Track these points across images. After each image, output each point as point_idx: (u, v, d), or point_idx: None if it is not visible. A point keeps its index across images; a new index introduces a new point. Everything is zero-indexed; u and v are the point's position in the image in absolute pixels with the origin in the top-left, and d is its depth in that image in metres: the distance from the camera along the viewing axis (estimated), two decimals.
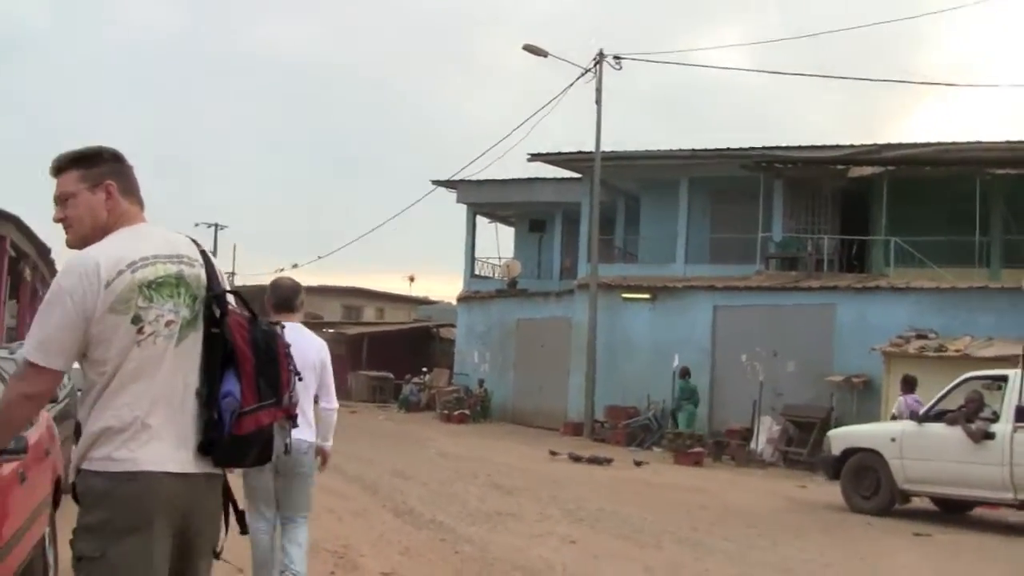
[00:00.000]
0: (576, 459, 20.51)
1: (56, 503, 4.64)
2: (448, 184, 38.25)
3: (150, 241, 3.49)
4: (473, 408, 33.32)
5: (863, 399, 22.50)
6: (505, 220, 41.69)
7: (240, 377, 3.44)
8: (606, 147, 29.19)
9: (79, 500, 3.39)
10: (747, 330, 25.82)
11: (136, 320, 3.32)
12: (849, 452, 14.81)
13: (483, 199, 38.55)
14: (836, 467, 14.95)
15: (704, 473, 19.97)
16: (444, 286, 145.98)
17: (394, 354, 44.28)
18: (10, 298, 24.81)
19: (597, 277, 28.70)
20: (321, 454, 6.97)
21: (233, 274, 71.84)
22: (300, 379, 3.75)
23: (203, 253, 3.63)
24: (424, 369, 40.54)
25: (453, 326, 43.53)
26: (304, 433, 6.27)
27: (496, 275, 39.22)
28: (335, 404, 7.13)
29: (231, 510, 3.69)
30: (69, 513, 3.72)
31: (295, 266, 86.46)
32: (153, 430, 3.33)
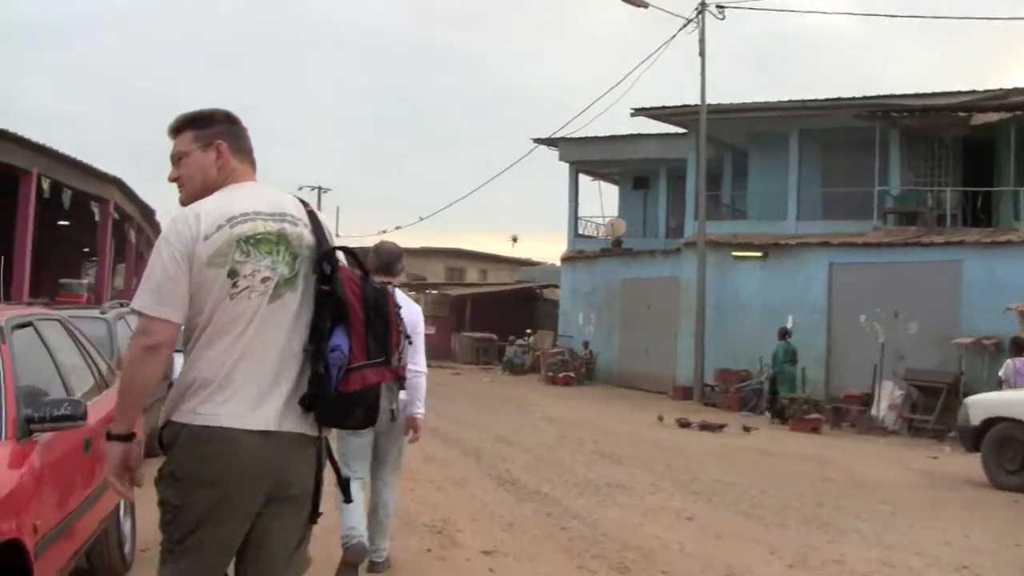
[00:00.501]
0: (685, 424, 19.63)
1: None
2: (549, 142, 37.36)
3: (254, 198, 3.53)
4: (578, 371, 32.56)
5: (995, 363, 21.12)
6: (608, 178, 40.64)
7: (349, 333, 3.41)
8: (711, 101, 28.06)
9: (164, 449, 3.44)
10: (866, 289, 24.47)
11: (232, 274, 3.37)
12: (991, 422, 13.52)
13: (585, 156, 37.52)
14: (975, 438, 13.65)
15: (823, 441, 18.91)
16: (547, 247, 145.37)
17: (498, 315, 43.69)
18: (117, 261, 24.61)
19: (705, 235, 27.60)
20: (412, 423, 6.90)
21: (337, 237, 71.82)
22: (410, 342, 3.75)
23: (311, 213, 3.62)
24: (528, 331, 39.89)
25: (557, 287, 42.82)
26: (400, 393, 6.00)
27: (600, 234, 38.26)
28: (424, 368, 6.96)
29: (332, 476, 3.69)
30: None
31: (397, 228, 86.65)
32: (237, 385, 3.35)
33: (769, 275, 26.77)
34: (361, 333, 3.43)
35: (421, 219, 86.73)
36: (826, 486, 12.59)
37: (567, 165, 38.07)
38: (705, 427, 19.30)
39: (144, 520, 6.71)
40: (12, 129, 18.31)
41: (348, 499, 3.82)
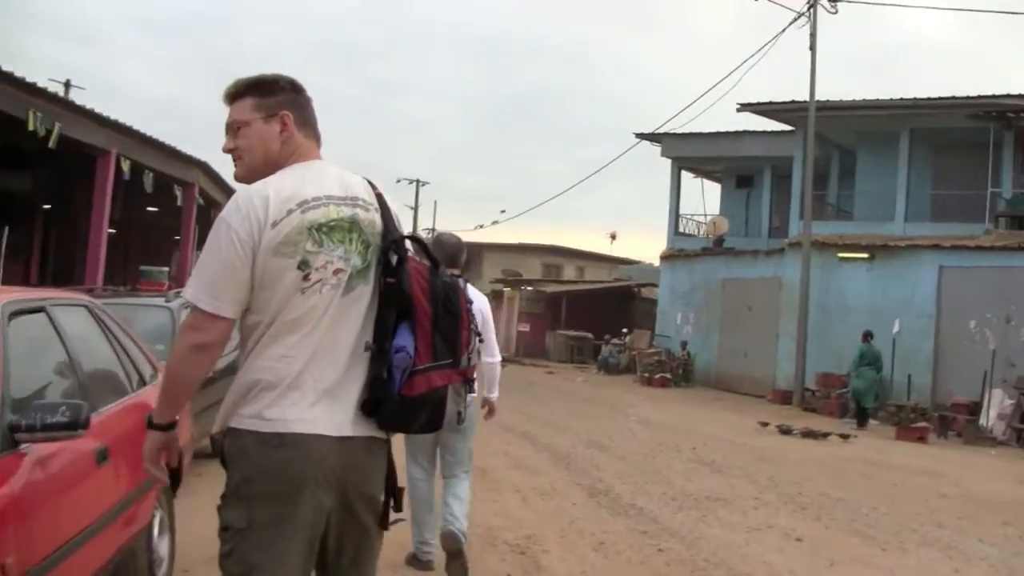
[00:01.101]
0: (786, 431, 18.86)
1: (176, 485, 3.61)
2: (652, 137, 36.70)
3: (324, 180, 3.24)
4: (675, 372, 31.88)
5: None
6: (711, 175, 39.76)
7: (415, 332, 3.17)
8: (819, 98, 27.12)
9: (225, 462, 3.16)
10: (976, 294, 23.45)
11: (303, 265, 3.09)
12: None
13: (688, 153, 36.68)
14: None
15: (930, 451, 17.97)
16: (646, 246, 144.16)
17: (594, 314, 43.04)
18: (199, 247, 24.49)
19: (810, 234, 26.69)
20: (488, 405, 7.17)
21: (433, 230, 71.97)
22: (481, 341, 3.53)
23: (379, 196, 3.35)
24: (624, 330, 39.18)
25: (655, 285, 42.13)
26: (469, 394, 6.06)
27: (701, 233, 37.46)
28: (498, 357, 7.07)
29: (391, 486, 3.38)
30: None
31: (495, 223, 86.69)
32: (308, 387, 3.09)
33: (875, 277, 25.84)
34: (428, 331, 3.18)
35: (519, 214, 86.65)
36: (941, 503, 11.78)
37: (669, 161, 37.28)
38: (808, 434, 18.52)
39: (185, 536, 6.31)
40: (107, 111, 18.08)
41: (399, 508, 3.40)
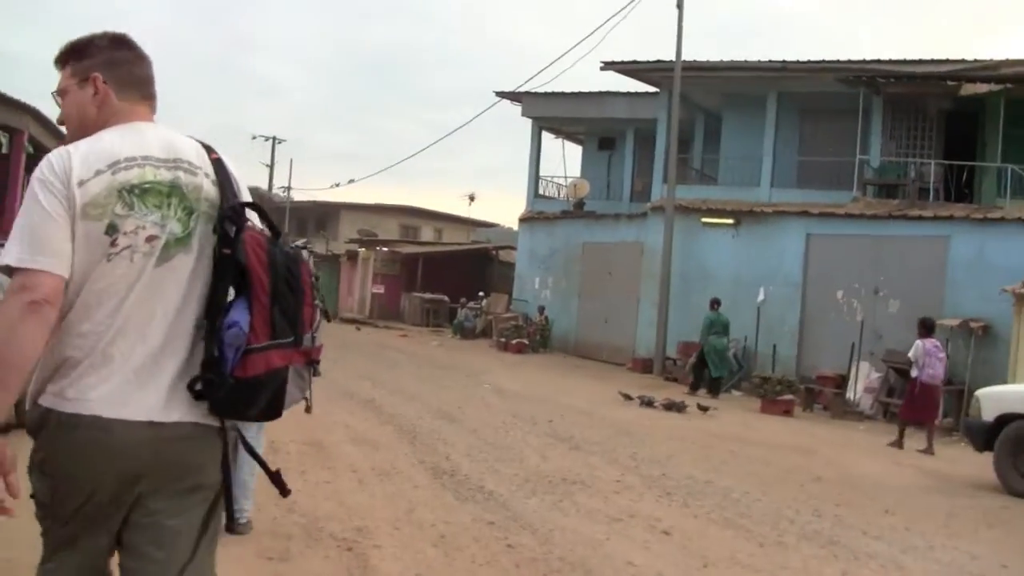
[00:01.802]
0: (647, 403, 17.91)
1: None
2: (513, 96, 35.54)
3: (144, 141, 2.97)
4: (532, 337, 30.85)
5: (982, 347, 19.59)
6: (572, 137, 38.79)
7: (252, 307, 2.84)
8: (685, 59, 26.20)
9: (30, 434, 2.89)
10: (845, 263, 22.87)
11: (111, 230, 2.82)
12: (1006, 418, 11.85)
13: (550, 113, 35.52)
14: (987, 437, 11.97)
15: (798, 426, 17.26)
16: (505, 209, 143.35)
17: (450, 276, 41.78)
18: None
19: (674, 198, 25.83)
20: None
21: (289, 188, 70.01)
22: (328, 319, 3.06)
23: (217, 161, 3.06)
24: (481, 293, 38.01)
25: (513, 248, 41.11)
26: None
27: (561, 195, 36.45)
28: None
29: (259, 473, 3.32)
30: None
31: (351, 181, 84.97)
32: (116, 365, 2.81)
33: (740, 244, 25.15)
34: (266, 306, 2.86)
35: (376, 173, 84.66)
36: (818, 488, 10.81)
37: (530, 122, 36.14)
38: (671, 406, 17.62)
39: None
40: None
41: (285, 492, 3.14)
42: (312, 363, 3.02)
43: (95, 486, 2.81)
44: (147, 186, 2.88)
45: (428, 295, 41.59)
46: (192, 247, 2.91)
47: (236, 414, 2.94)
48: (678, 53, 25.98)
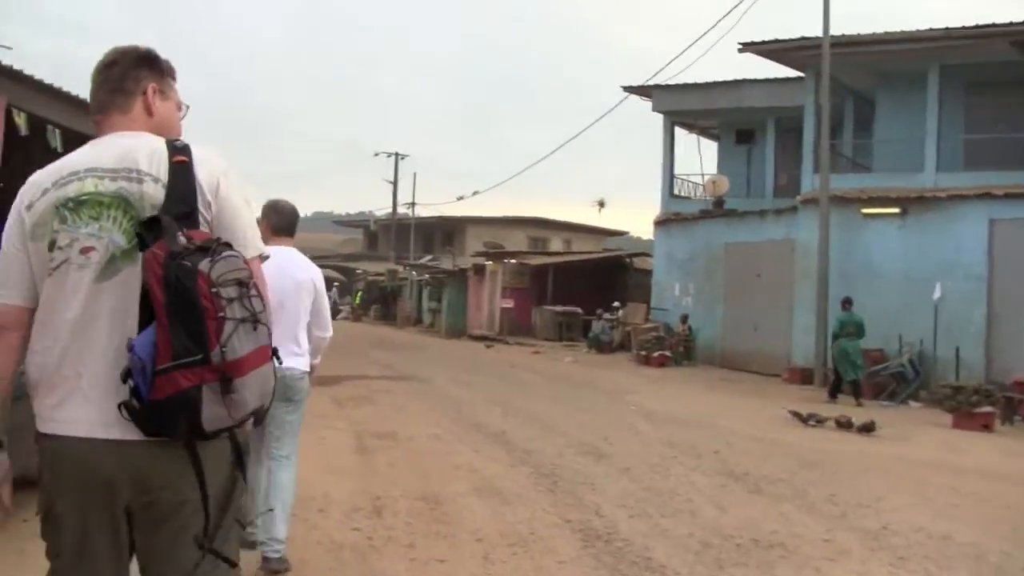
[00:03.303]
0: (819, 421, 15.36)
1: None
2: (642, 91, 33.23)
3: (100, 152, 3.03)
4: (675, 349, 28.42)
5: None
6: (707, 132, 36.22)
7: (157, 326, 2.76)
8: (832, 34, 23.54)
9: None
10: None
11: (51, 246, 2.93)
12: None
13: (682, 106, 33.10)
14: None
15: (1009, 445, 14.54)
16: (635, 217, 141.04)
17: (583, 288, 39.43)
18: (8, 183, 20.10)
19: (828, 189, 23.14)
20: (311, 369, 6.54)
21: (413, 204, 68.66)
22: (255, 326, 2.86)
23: (179, 165, 2.97)
24: (616, 304, 35.52)
25: (648, 255, 38.82)
26: (295, 361, 6.15)
27: (698, 195, 33.94)
28: (329, 332, 6.69)
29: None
30: None
31: (476, 193, 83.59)
32: (70, 383, 2.88)
33: (909, 235, 22.42)
34: (165, 325, 2.72)
35: (500, 184, 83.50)
36: None
37: (661, 117, 33.68)
38: (847, 425, 15.05)
39: None
40: None
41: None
42: (227, 380, 2.79)
43: (76, 504, 2.87)
44: (84, 198, 2.92)
45: (560, 308, 39.30)
46: (138, 259, 2.86)
47: (164, 433, 2.82)
48: (825, 26, 23.39)
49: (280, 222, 6.44)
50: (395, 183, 70.04)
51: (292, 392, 6.20)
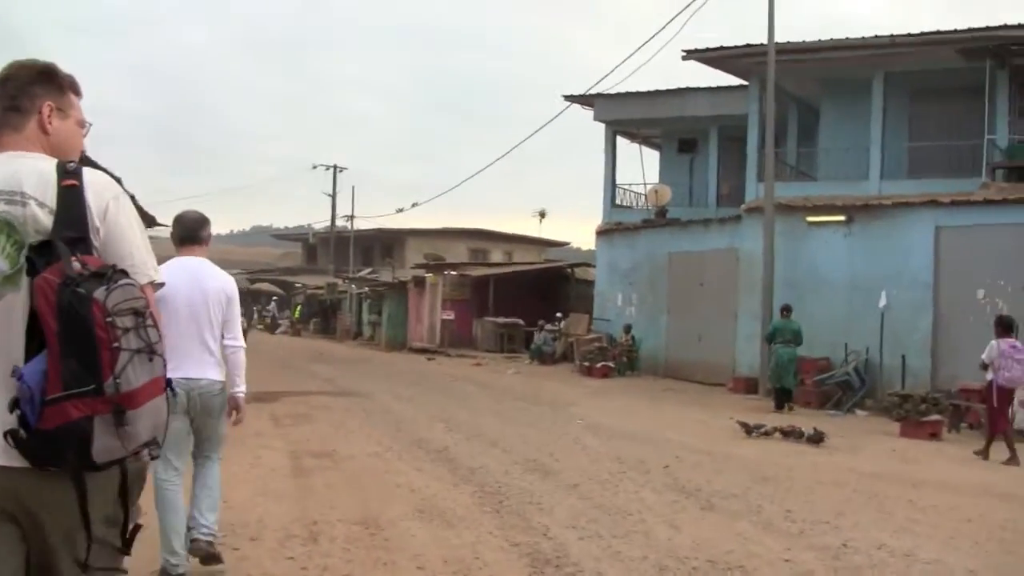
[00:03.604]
0: (766, 433, 14.99)
1: None
2: (583, 100, 32.86)
3: None
4: (618, 359, 28.09)
5: None
6: (649, 141, 35.96)
7: (48, 355, 2.70)
8: (777, 42, 23.31)
9: None
10: (984, 257, 19.80)
11: None
12: None
13: (624, 115, 32.82)
14: None
15: (959, 453, 14.25)
16: (575, 229, 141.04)
17: (524, 299, 38.96)
18: None
19: (773, 197, 22.88)
20: (233, 403, 6.40)
21: (352, 217, 67.92)
22: (152, 356, 2.80)
23: (69, 188, 2.89)
24: (559, 315, 35.08)
25: (590, 266, 38.48)
26: (210, 372, 6.15)
27: (640, 204, 33.64)
28: (241, 342, 6.44)
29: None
30: None
31: (415, 205, 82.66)
32: None
33: (855, 243, 22.19)
34: (57, 355, 2.66)
35: (440, 195, 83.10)
36: None
37: (603, 126, 33.36)
38: (796, 435, 14.71)
39: None
40: None
41: (125, 550, 2.94)
42: (120, 412, 2.73)
43: None
44: None
45: (502, 319, 38.82)
46: (21, 285, 2.81)
47: (52, 464, 2.75)
48: (770, 33, 23.07)
49: (182, 231, 6.34)
50: (333, 196, 69.38)
51: (211, 406, 6.20)
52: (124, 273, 2.83)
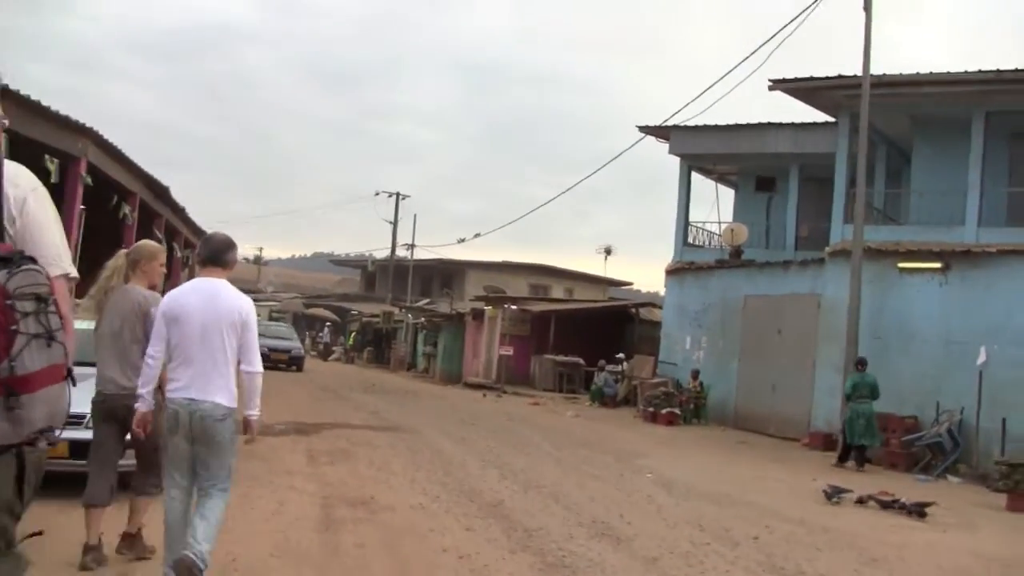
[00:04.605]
0: (860, 501, 13.35)
1: None
2: (659, 132, 31.32)
3: None
4: (685, 406, 26.36)
5: None
6: (724, 179, 34.31)
7: None
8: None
9: None
10: None
11: None
12: None
13: (702, 149, 31.13)
14: None
15: None
16: (638, 268, 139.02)
17: (585, 337, 37.39)
18: (81, 238, 18.54)
19: (863, 240, 21.20)
20: (246, 424, 6.29)
21: (412, 246, 66.81)
22: (50, 343, 2.85)
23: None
24: (621, 355, 33.42)
25: (655, 306, 36.68)
26: (217, 396, 5.95)
27: (712, 244, 31.99)
28: (259, 367, 6.22)
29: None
30: None
31: (477, 235, 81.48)
32: None
33: (951, 293, 20.43)
34: None
35: (477, 235, 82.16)
36: None
37: (678, 159, 31.76)
38: (889, 505, 13.07)
39: None
40: None
41: (9, 543, 2.93)
42: (11, 394, 2.75)
43: None
44: None
45: (561, 357, 37.25)
46: None
47: None
48: (866, 63, 21.46)
49: (207, 252, 6.25)
50: (395, 223, 68.37)
51: (212, 433, 5.91)
52: (32, 260, 2.84)
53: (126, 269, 7.06)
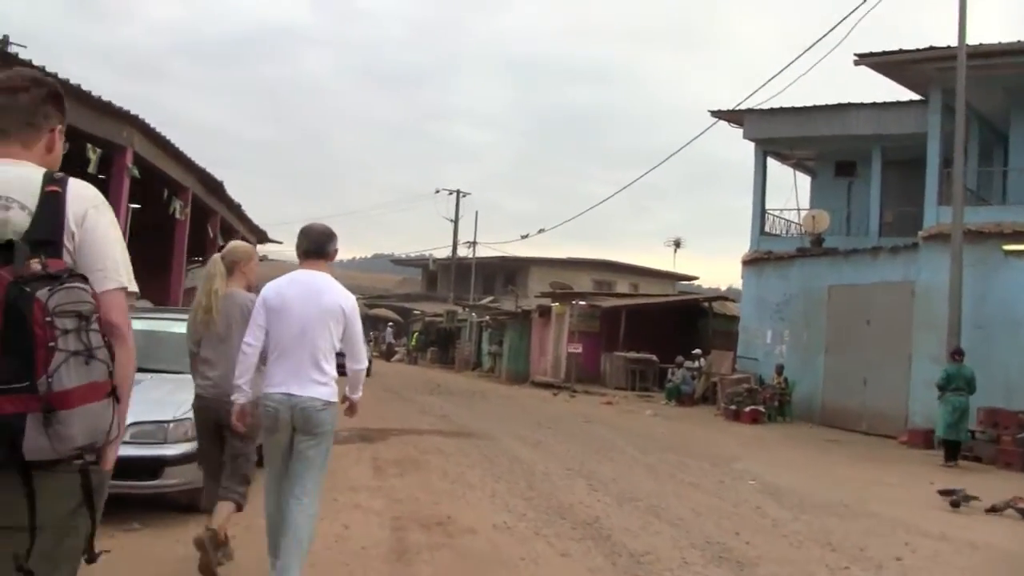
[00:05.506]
0: (994, 509, 11.98)
1: None
2: (732, 116, 29.93)
3: None
4: (769, 403, 24.90)
5: None
6: (801, 164, 32.77)
7: None
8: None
9: None
10: None
11: None
12: None
13: (777, 133, 29.65)
14: None
15: None
16: (704, 263, 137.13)
17: (656, 334, 35.89)
18: (128, 235, 17.69)
19: (962, 223, 19.72)
20: (349, 403, 6.40)
21: (474, 243, 65.81)
22: (89, 360, 2.76)
23: (51, 194, 2.95)
24: (697, 351, 31.99)
25: (728, 299, 35.21)
26: (316, 391, 5.90)
27: (788, 232, 30.52)
28: (364, 363, 6.38)
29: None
30: None
31: (541, 231, 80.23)
32: None
33: None
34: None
35: (541, 231, 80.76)
36: None
37: (752, 144, 30.31)
38: None
39: None
40: None
41: (90, 559, 2.88)
42: (50, 410, 2.68)
43: None
44: None
45: (634, 354, 35.84)
46: None
47: None
48: (961, 32, 20.00)
49: (308, 244, 6.21)
50: (456, 221, 67.38)
51: (312, 424, 5.90)
52: (80, 277, 2.84)
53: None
